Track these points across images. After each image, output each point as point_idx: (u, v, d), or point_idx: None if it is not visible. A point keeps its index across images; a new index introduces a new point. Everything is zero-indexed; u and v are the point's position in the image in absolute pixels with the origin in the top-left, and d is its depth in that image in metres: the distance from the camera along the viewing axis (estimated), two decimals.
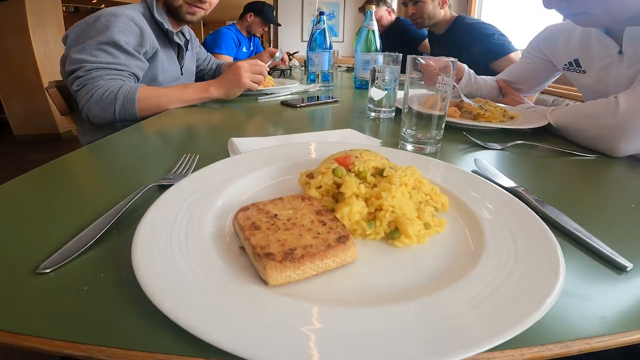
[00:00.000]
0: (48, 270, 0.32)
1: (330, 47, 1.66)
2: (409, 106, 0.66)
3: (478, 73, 1.25)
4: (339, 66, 2.83)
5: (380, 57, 0.89)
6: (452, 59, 0.62)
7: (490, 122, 0.87)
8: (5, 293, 0.29)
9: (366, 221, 0.37)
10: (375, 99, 0.89)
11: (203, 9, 1.30)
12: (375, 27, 1.42)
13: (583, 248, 0.38)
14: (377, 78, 0.87)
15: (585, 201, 0.52)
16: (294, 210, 0.36)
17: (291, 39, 5.83)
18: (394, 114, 0.92)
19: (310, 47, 1.70)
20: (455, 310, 0.27)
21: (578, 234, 0.39)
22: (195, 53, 1.62)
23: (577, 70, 1.02)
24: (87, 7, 5.65)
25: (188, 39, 1.47)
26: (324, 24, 1.68)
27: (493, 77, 1.27)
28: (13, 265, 0.33)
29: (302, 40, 5.79)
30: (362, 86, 1.45)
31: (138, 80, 1.14)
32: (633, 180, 0.63)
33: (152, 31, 1.20)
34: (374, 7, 1.48)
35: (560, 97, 1.84)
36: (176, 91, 1.08)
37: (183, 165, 0.53)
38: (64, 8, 5.95)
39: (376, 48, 1.42)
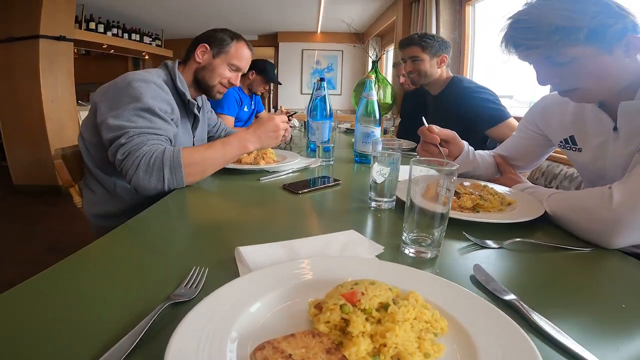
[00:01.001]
0: None
1: (331, 116, 1.71)
2: (412, 201, 0.67)
3: (474, 138, 1.21)
4: (338, 125, 2.92)
5: (379, 145, 0.92)
6: (455, 164, 0.64)
7: (489, 212, 0.89)
8: None
9: (371, 355, 0.40)
10: (378, 181, 0.91)
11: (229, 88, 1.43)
12: (375, 97, 1.46)
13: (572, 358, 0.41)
14: (380, 170, 0.90)
15: (578, 302, 0.56)
16: (306, 349, 0.38)
17: (291, 90, 6.06)
18: (394, 203, 0.94)
19: (311, 114, 1.76)
20: None
21: (567, 344, 0.43)
22: (207, 119, 1.66)
23: (573, 149, 1.04)
24: (97, 51, 5.82)
25: (200, 105, 1.52)
26: (324, 90, 1.74)
27: (490, 151, 1.28)
28: None
29: (301, 93, 6.02)
30: (362, 160, 1.48)
31: (172, 144, 1.18)
32: (626, 276, 0.66)
33: (174, 100, 1.25)
34: (373, 76, 1.53)
35: (555, 161, 1.84)
36: (217, 152, 1.11)
37: (194, 278, 0.55)
38: (75, 50, 6.15)
39: (375, 117, 1.45)
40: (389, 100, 4.30)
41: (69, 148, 1.34)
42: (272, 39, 6.35)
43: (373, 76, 1.53)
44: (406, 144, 1.94)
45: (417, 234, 0.68)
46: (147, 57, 6.41)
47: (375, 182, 0.91)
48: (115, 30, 5.14)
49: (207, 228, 0.83)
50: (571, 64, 0.81)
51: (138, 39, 5.65)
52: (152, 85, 1.13)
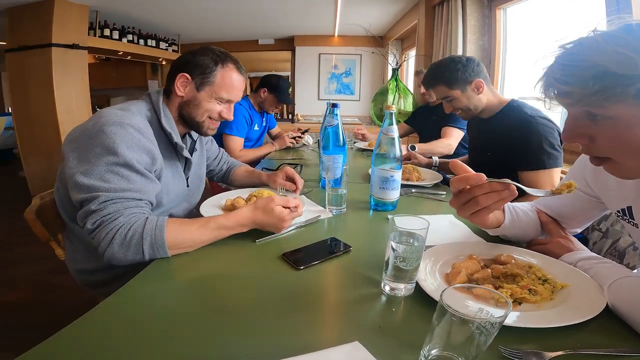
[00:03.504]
0: None
1: (344, 146, 1.53)
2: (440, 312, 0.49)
3: (505, 173, 0.97)
4: (354, 144, 2.71)
5: (397, 227, 0.73)
6: (498, 292, 0.46)
7: (538, 305, 0.69)
8: None
9: None
10: (395, 266, 0.73)
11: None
12: (396, 135, 1.25)
13: None
14: (397, 259, 0.71)
15: None
16: None
17: (308, 96, 5.89)
18: (413, 288, 0.75)
19: (322, 144, 1.58)
20: None
21: None
22: (205, 150, 1.46)
23: (630, 222, 0.82)
24: (116, 57, 5.76)
25: (195, 139, 1.33)
26: (337, 118, 1.54)
27: (532, 204, 1.06)
28: None
29: (318, 99, 5.83)
30: (378, 207, 1.26)
31: (153, 206, 1.02)
32: None
33: (159, 142, 1.05)
34: (394, 108, 1.31)
35: None
36: (209, 234, 0.94)
37: None
38: (96, 56, 6.11)
39: (395, 157, 1.24)
40: (410, 108, 4.09)
41: (50, 194, 1.20)
42: (288, 43, 6.16)
43: (394, 107, 1.30)
44: (430, 176, 1.72)
45: (442, 352, 0.51)
46: (164, 62, 6.36)
47: (391, 264, 0.73)
48: (130, 37, 5.07)
49: (187, 329, 0.65)
50: (607, 123, 0.61)
51: (154, 44, 5.57)
52: (128, 130, 0.95)
